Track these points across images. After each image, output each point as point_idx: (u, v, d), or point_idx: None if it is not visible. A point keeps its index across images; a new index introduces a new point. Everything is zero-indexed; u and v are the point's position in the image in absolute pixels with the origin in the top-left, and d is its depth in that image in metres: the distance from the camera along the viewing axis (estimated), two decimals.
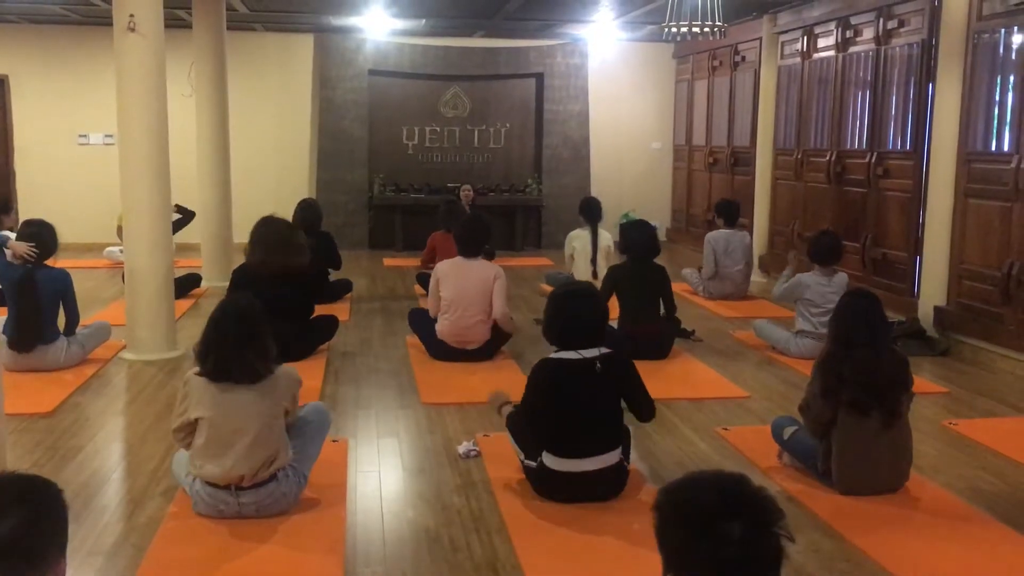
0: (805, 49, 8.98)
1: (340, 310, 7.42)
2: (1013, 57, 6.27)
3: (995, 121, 6.45)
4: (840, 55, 8.34)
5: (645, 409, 3.98)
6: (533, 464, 3.85)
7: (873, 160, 7.78)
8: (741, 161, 10.61)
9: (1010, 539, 3.58)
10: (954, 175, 6.67)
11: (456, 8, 9.95)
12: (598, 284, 6.77)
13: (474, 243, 6.32)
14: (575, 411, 3.76)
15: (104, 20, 7.53)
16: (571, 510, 3.72)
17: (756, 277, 9.42)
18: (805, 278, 6.37)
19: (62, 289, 5.84)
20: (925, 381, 5.63)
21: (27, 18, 10.88)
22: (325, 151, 11.80)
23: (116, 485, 4.06)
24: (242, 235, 6.96)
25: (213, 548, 3.38)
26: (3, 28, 11.16)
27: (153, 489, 3.96)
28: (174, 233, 6.81)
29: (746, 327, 7.11)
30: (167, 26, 6.35)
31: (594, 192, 11.09)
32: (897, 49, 7.54)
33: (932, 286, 6.86)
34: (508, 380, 5.43)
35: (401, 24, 10.86)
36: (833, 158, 8.39)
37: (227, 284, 6.25)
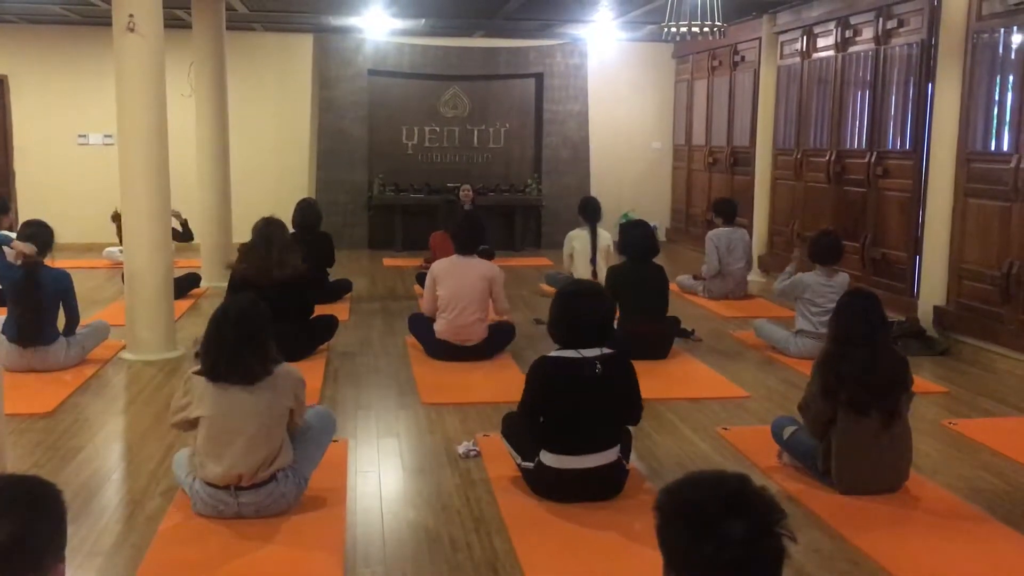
0: (805, 49, 8.98)
1: (340, 310, 7.42)
2: (1012, 57, 6.27)
3: (994, 121, 6.45)
4: (840, 55, 8.34)
5: (634, 413, 3.96)
6: (531, 465, 3.85)
7: (873, 160, 7.78)
8: (741, 161, 10.61)
9: (1010, 539, 3.58)
10: (954, 175, 6.67)
11: (456, 8, 9.95)
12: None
13: (470, 241, 6.36)
14: (572, 409, 3.76)
15: (104, 20, 7.52)
16: (571, 510, 3.72)
17: (756, 277, 9.43)
18: (806, 277, 6.37)
19: (63, 289, 5.84)
20: (925, 381, 5.63)
21: (27, 18, 10.88)
22: (325, 151, 11.80)
23: (116, 485, 4.06)
24: (241, 235, 6.97)
25: (213, 548, 3.38)
26: (3, 28, 11.15)
27: (153, 489, 3.96)
28: None
29: (746, 327, 7.12)
30: (166, 26, 6.35)
31: (594, 192, 11.09)
32: (897, 49, 7.54)
33: (932, 286, 6.86)
34: (508, 380, 5.44)
35: (401, 24, 10.86)
36: (833, 158, 8.39)
37: (226, 284, 6.25)
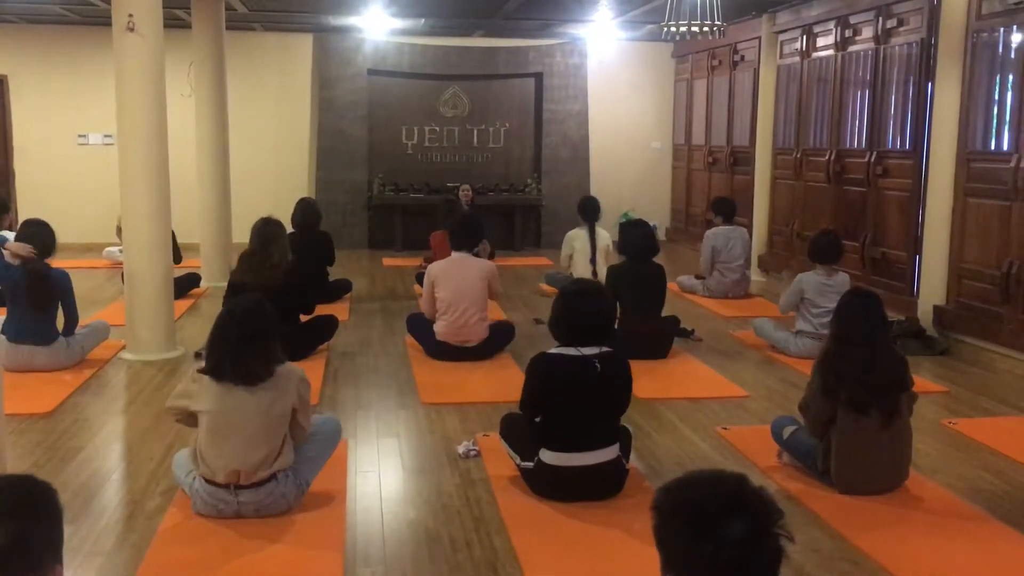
0: (804, 48, 8.98)
1: (340, 310, 7.42)
2: (1012, 56, 6.27)
3: (994, 120, 6.45)
4: (839, 54, 8.34)
5: (621, 411, 3.96)
6: (530, 465, 3.85)
7: (872, 159, 7.78)
8: (740, 160, 10.61)
9: (1010, 538, 3.58)
10: (953, 174, 6.67)
11: (455, 8, 9.95)
12: None
13: (468, 239, 6.37)
14: (572, 406, 3.77)
15: (103, 20, 7.52)
16: (571, 509, 3.73)
17: (756, 276, 9.43)
18: (805, 277, 6.38)
19: (62, 289, 5.84)
20: (925, 380, 5.63)
21: (26, 18, 10.88)
22: (324, 151, 11.80)
23: (116, 485, 4.06)
24: (241, 235, 6.97)
25: (213, 548, 3.38)
26: (2, 28, 11.15)
27: (153, 489, 3.96)
28: None
29: (746, 326, 7.12)
30: (166, 26, 6.35)
31: (593, 192, 11.08)
32: (896, 48, 7.54)
33: (931, 285, 6.86)
34: (508, 380, 5.44)
35: (400, 24, 10.86)
36: (832, 157, 8.39)
37: (226, 284, 6.25)
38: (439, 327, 6.15)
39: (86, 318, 6.37)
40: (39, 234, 5.92)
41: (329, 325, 6.48)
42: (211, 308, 7.63)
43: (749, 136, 10.25)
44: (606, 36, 11.80)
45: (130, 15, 6.00)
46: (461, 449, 4.41)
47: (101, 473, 4.18)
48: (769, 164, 9.68)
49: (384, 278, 9.64)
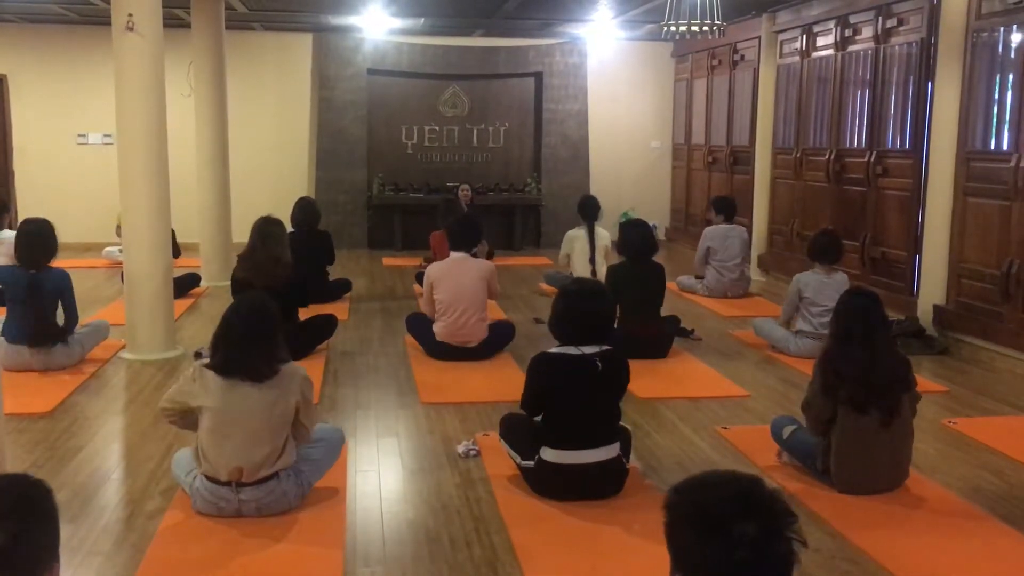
0: (804, 48, 8.97)
1: (339, 310, 7.41)
2: (1012, 56, 6.27)
3: (994, 120, 6.45)
4: (839, 54, 8.34)
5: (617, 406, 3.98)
6: (530, 464, 3.85)
7: (872, 159, 7.78)
8: (740, 160, 10.61)
9: (1010, 538, 3.58)
10: (953, 174, 6.67)
11: (455, 7, 9.95)
12: None
13: (466, 240, 6.36)
14: (572, 405, 3.78)
15: (103, 19, 7.51)
16: (571, 508, 3.73)
17: (756, 276, 9.44)
18: (802, 276, 6.38)
19: (62, 289, 5.83)
20: (925, 380, 5.62)
21: (26, 17, 10.87)
22: (324, 151, 11.79)
23: (115, 485, 4.06)
24: (241, 235, 6.97)
25: (212, 548, 3.38)
26: (2, 27, 11.14)
27: (152, 489, 3.95)
28: None
29: (745, 326, 7.12)
30: (166, 25, 6.34)
31: (593, 191, 11.05)
32: (896, 48, 7.54)
33: (931, 285, 6.86)
34: (507, 379, 5.44)
35: (400, 23, 10.86)
36: (832, 157, 8.39)
37: (226, 283, 6.25)
38: (438, 328, 6.15)
39: (86, 317, 6.37)
40: (41, 234, 5.84)
41: (329, 324, 6.48)
42: (211, 307, 7.63)
43: (749, 136, 10.24)
44: (606, 36, 11.80)
45: (130, 14, 5.99)
46: (461, 449, 4.41)
47: (100, 473, 4.17)
48: (769, 164, 9.68)
49: (384, 278, 9.64)
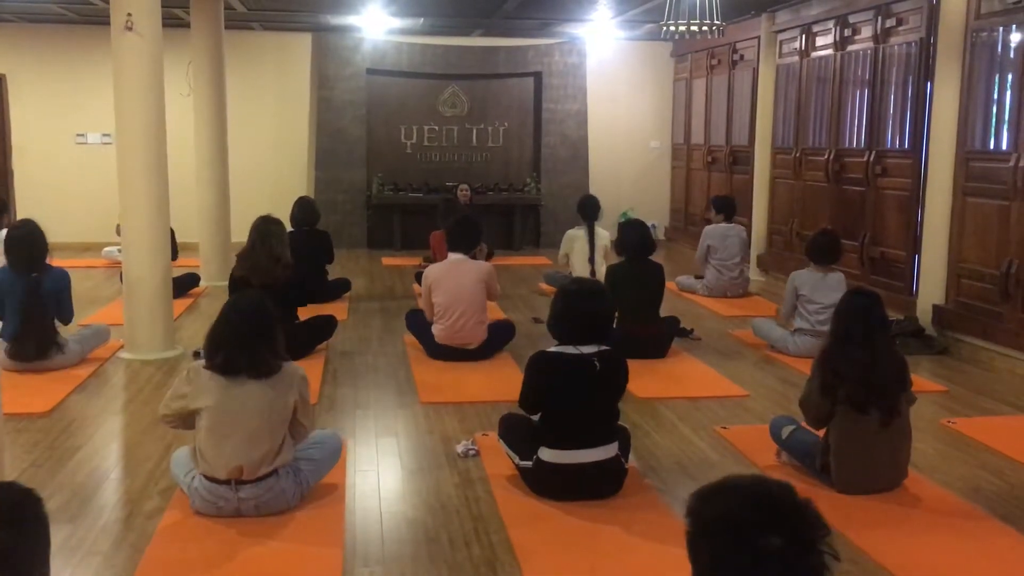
0: (803, 48, 8.97)
1: (339, 309, 7.41)
2: (1011, 55, 6.26)
3: (993, 119, 6.44)
4: (838, 54, 8.34)
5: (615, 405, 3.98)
6: (529, 464, 3.85)
7: (871, 159, 7.78)
8: (739, 160, 10.61)
9: (1009, 537, 3.58)
10: (952, 174, 6.67)
11: (454, 7, 9.95)
12: None
13: (465, 241, 6.34)
14: (571, 404, 3.78)
15: (102, 19, 7.51)
16: (570, 508, 3.72)
17: (755, 276, 9.44)
18: (798, 274, 6.40)
19: (60, 288, 5.81)
20: (924, 380, 5.63)
21: (25, 17, 10.87)
22: (323, 150, 11.79)
23: (114, 485, 4.05)
24: (240, 234, 6.96)
25: (211, 547, 3.38)
26: (1, 27, 11.14)
27: (151, 489, 3.95)
28: None
29: (744, 326, 7.12)
30: (165, 25, 6.34)
31: (592, 191, 11.04)
32: (895, 48, 7.54)
33: (931, 285, 6.86)
34: (507, 379, 5.44)
35: (399, 23, 10.86)
36: (831, 157, 8.39)
37: (225, 283, 6.25)
38: (437, 330, 6.12)
39: (85, 318, 6.37)
40: (33, 233, 5.81)
41: (328, 325, 6.47)
42: (210, 307, 7.62)
43: (748, 135, 10.24)
44: (605, 35, 11.80)
45: (129, 14, 5.99)
46: (460, 448, 4.41)
47: (99, 472, 4.17)
48: (768, 163, 9.68)
49: (383, 278, 9.63)
